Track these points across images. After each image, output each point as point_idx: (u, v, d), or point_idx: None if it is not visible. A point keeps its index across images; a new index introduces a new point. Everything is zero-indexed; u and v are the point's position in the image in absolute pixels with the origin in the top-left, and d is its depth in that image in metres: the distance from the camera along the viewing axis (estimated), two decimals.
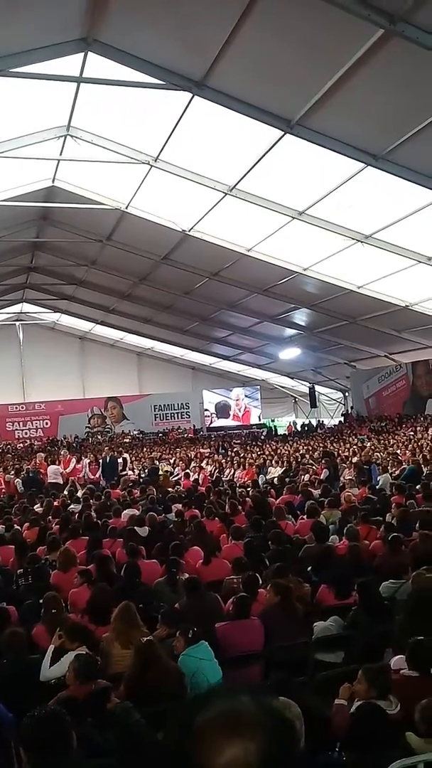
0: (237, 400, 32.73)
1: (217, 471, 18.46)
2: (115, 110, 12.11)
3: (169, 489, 14.35)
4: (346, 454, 18.36)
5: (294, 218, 14.16)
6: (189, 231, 16.18)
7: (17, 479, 16.93)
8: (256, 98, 10.51)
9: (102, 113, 12.29)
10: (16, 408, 31.28)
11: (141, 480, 17.16)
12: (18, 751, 3.19)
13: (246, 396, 32.89)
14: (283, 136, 11.10)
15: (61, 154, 13.72)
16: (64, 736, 2.84)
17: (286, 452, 20.98)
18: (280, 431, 31.80)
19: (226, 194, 13.77)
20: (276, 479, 15.35)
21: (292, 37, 8.96)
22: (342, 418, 28.81)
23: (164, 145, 12.55)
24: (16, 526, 9.96)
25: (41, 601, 5.95)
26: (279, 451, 21.34)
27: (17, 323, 30.65)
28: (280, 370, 30.58)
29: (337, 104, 9.94)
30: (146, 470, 18.75)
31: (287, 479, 14.44)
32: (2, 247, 19.51)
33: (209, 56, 9.66)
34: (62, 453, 19.63)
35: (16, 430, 31.13)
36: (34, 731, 2.84)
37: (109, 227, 17.63)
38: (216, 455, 23.05)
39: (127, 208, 15.87)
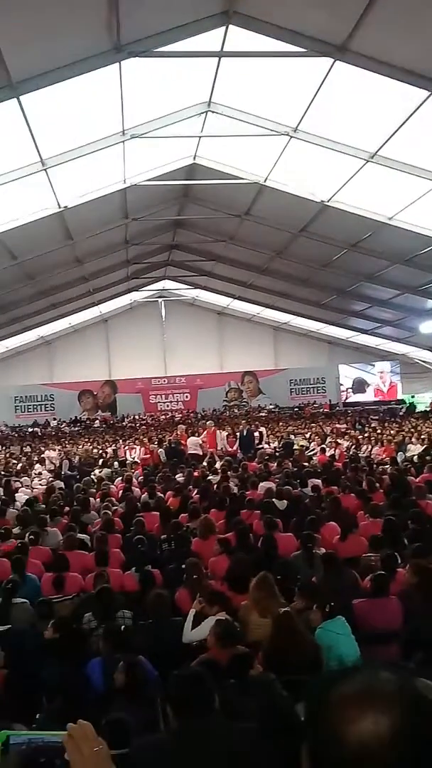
0: (381, 374, 31.91)
1: (353, 447, 18.17)
2: (254, 82, 12.04)
3: (305, 464, 14.33)
4: None
5: None
6: (328, 201, 15.80)
7: (160, 449, 17.73)
8: (400, 59, 10.03)
9: (241, 86, 12.25)
10: (159, 381, 32.60)
11: (277, 453, 17.29)
12: (164, 708, 3.37)
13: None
14: (429, 96, 10.52)
15: (202, 130, 13.88)
16: (207, 696, 2.94)
17: (428, 429, 20.16)
18: (420, 408, 30.57)
19: (367, 161, 13.29)
20: (416, 457, 14.84)
21: None
22: None
23: (304, 115, 12.30)
24: (159, 494, 10.44)
25: (183, 566, 6.22)
26: (419, 428, 20.55)
27: (160, 300, 31.77)
28: (421, 344, 29.18)
29: None
30: (282, 444, 18.84)
31: (428, 457, 13.90)
32: (148, 226, 20.20)
33: (351, 19, 9.32)
34: (208, 423, 20.11)
35: (159, 402, 32.51)
36: (180, 690, 2.96)
37: (247, 202, 17.63)
38: (352, 431, 22.65)
39: (265, 181, 15.79)
